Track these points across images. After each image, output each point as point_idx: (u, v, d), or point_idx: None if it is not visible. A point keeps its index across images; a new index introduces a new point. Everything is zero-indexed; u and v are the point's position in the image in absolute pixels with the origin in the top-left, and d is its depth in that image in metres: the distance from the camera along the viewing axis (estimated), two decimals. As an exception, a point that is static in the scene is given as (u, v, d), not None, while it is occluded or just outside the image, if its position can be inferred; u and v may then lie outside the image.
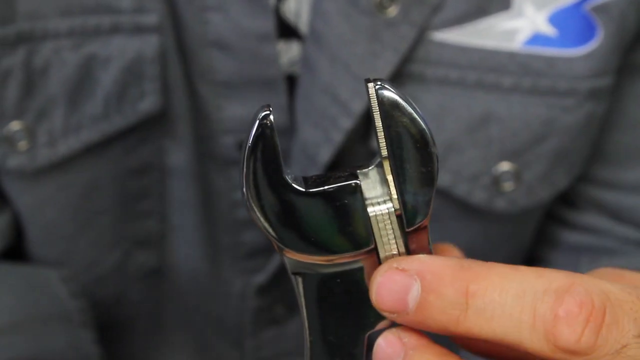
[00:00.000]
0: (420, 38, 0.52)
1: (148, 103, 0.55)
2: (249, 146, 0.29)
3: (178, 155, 0.59)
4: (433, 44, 0.53)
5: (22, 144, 0.54)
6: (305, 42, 0.54)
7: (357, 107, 0.53)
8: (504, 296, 0.27)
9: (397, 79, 0.53)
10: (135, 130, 0.57)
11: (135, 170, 0.58)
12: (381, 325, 0.31)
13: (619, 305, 0.26)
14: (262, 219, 0.29)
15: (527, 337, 0.26)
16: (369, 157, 0.56)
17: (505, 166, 0.55)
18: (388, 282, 0.28)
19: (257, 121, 0.29)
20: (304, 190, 0.29)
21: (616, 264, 0.57)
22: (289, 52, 0.56)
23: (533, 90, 0.53)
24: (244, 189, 0.29)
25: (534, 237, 0.63)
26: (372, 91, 0.29)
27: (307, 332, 0.31)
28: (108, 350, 0.59)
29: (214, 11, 0.53)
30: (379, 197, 0.30)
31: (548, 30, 0.53)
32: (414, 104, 0.29)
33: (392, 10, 0.52)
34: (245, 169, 0.29)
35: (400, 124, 0.29)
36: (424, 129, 0.29)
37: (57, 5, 0.53)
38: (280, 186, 0.29)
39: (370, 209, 0.30)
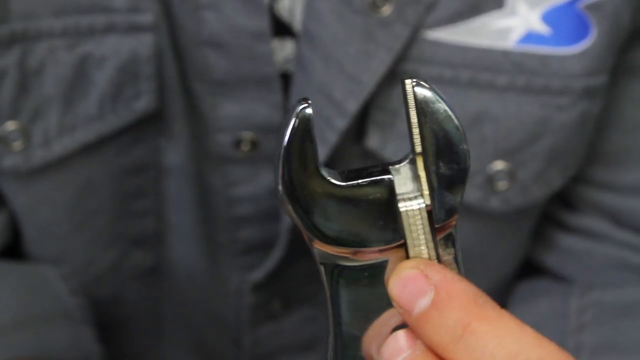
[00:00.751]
0: (414, 37, 0.52)
1: (143, 102, 0.56)
2: (286, 141, 0.29)
3: (174, 154, 0.59)
4: (427, 42, 0.53)
5: (17, 144, 0.54)
6: (299, 41, 0.54)
7: (352, 107, 0.53)
8: (498, 349, 0.27)
9: (391, 78, 0.53)
10: (130, 129, 0.57)
11: (131, 169, 0.58)
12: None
13: None
14: (295, 211, 0.30)
15: None
16: (364, 157, 0.56)
17: (499, 165, 0.55)
18: (410, 280, 0.28)
19: (295, 114, 0.29)
20: (338, 184, 0.30)
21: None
22: (283, 50, 0.56)
23: (527, 89, 0.53)
24: (279, 181, 0.30)
25: (530, 238, 0.63)
26: (408, 87, 0.29)
27: (332, 324, 0.32)
28: (106, 349, 0.59)
29: (208, 10, 0.53)
30: (410, 193, 0.30)
31: (542, 28, 0.53)
32: (448, 101, 0.30)
33: (386, 10, 0.51)
34: (282, 161, 0.29)
35: (435, 121, 0.29)
36: (457, 126, 0.30)
37: (51, 4, 0.52)
38: (315, 179, 0.30)
39: (401, 204, 0.30)
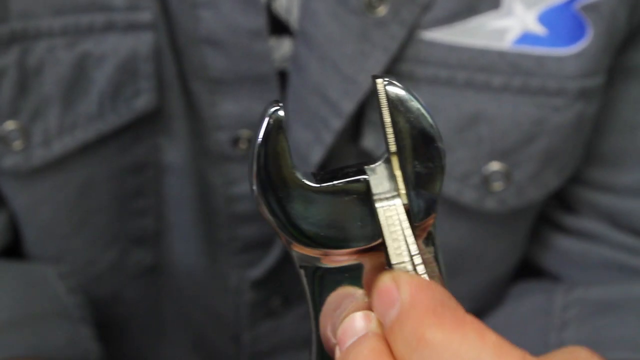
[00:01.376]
0: (410, 37, 0.52)
1: (143, 101, 0.56)
2: (259, 141, 0.29)
3: (173, 152, 0.59)
4: (423, 43, 0.52)
5: (17, 144, 0.54)
6: (295, 41, 0.54)
7: (347, 108, 0.53)
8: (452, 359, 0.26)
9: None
10: (130, 128, 0.57)
11: (131, 168, 0.59)
12: None
13: None
14: (270, 214, 0.30)
15: None
16: (360, 156, 0.56)
17: (495, 166, 0.55)
18: (382, 292, 0.28)
19: (267, 116, 0.29)
20: (312, 185, 0.30)
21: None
22: (281, 48, 0.56)
23: (523, 90, 0.53)
24: (254, 184, 0.30)
25: (527, 239, 0.62)
26: (380, 87, 0.29)
27: (314, 326, 0.32)
28: (106, 347, 0.59)
29: (205, 8, 0.53)
30: (387, 193, 0.30)
31: (538, 29, 0.52)
32: (421, 99, 0.30)
33: (382, 10, 0.51)
34: (255, 164, 0.29)
35: (408, 120, 0.29)
36: (431, 124, 0.29)
37: (50, 4, 0.53)
38: (289, 182, 0.30)
39: (378, 204, 0.30)
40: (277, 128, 0.29)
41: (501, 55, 0.52)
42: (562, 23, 0.52)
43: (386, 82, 0.29)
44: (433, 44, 0.52)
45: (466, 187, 0.55)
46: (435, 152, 0.30)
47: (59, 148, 0.55)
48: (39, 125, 0.54)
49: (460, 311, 0.27)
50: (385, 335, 0.28)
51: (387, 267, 0.30)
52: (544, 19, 0.52)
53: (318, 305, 0.31)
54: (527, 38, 0.52)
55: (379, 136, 0.55)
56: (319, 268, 0.31)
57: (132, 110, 0.56)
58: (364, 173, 0.30)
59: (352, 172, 0.30)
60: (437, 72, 0.53)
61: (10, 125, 0.54)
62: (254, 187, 0.30)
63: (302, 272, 0.31)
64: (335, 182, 0.30)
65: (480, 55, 0.52)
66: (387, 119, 0.29)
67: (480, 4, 0.52)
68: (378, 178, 0.30)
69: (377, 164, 0.30)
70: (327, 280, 0.31)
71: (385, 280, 0.28)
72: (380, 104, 0.29)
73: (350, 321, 0.30)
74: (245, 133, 0.57)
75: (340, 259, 0.31)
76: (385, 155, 0.30)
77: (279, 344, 0.65)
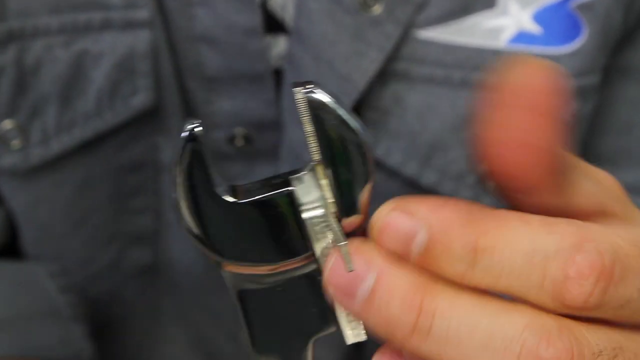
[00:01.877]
0: (405, 36, 0.52)
1: (140, 99, 0.56)
2: (177, 161, 0.29)
3: (170, 150, 0.59)
4: (418, 42, 0.52)
5: (15, 143, 0.54)
6: (290, 40, 0.54)
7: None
8: (514, 255, 0.25)
9: (382, 77, 0.53)
10: (127, 126, 0.57)
11: (129, 167, 0.59)
12: (327, 330, 0.31)
13: (627, 262, 0.26)
14: (195, 234, 0.29)
15: (534, 295, 0.26)
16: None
17: None
18: (394, 223, 0.26)
19: (184, 136, 0.29)
20: (234, 201, 0.29)
21: None
22: (277, 46, 0.55)
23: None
24: (178, 206, 0.29)
25: None
26: (300, 96, 0.29)
27: (252, 349, 0.31)
28: (104, 345, 0.60)
29: (200, 6, 0.53)
30: (315, 202, 0.29)
31: (533, 28, 0.52)
32: (343, 105, 0.29)
33: (377, 9, 0.51)
34: (175, 185, 0.29)
35: (330, 127, 0.29)
36: (354, 128, 0.29)
37: (47, 2, 0.53)
38: (209, 199, 0.29)
39: (305, 215, 0.29)
40: (194, 147, 0.29)
41: (496, 54, 0.52)
42: (557, 22, 0.52)
43: (306, 90, 0.29)
44: (428, 43, 0.52)
45: (462, 186, 0.55)
46: (360, 157, 0.29)
47: (57, 147, 0.55)
48: (37, 124, 0.54)
49: (487, 209, 0.27)
50: (416, 264, 0.26)
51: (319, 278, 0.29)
52: (539, 18, 0.52)
53: (256, 327, 0.31)
54: (522, 37, 0.52)
55: (375, 135, 0.54)
56: (251, 290, 0.30)
57: (130, 108, 0.56)
58: (290, 184, 0.30)
59: (278, 184, 0.30)
60: (432, 71, 0.53)
61: (8, 124, 0.54)
62: (178, 209, 0.29)
63: (234, 295, 0.30)
64: (257, 196, 0.29)
65: (476, 54, 0.52)
66: (309, 127, 0.29)
67: (475, 3, 0.52)
68: (305, 187, 0.30)
69: (303, 172, 0.30)
70: (264, 300, 0.30)
71: (392, 211, 0.27)
72: (301, 113, 0.29)
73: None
74: (241, 131, 0.57)
75: (273, 274, 0.30)
76: (312, 164, 0.30)
77: None
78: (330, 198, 0.29)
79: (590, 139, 0.57)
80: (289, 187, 0.30)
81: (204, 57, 0.55)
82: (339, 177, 0.29)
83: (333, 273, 0.27)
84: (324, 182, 0.29)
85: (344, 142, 0.29)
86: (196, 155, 0.29)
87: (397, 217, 0.26)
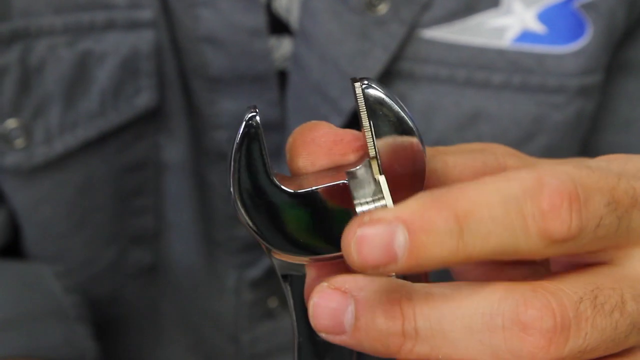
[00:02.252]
0: (409, 36, 0.52)
1: (144, 99, 0.56)
2: (235, 148, 0.29)
3: (173, 151, 0.59)
4: (423, 41, 0.53)
5: (19, 142, 0.54)
6: (295, 40, 0.55)
7: (347, 105, 0.53)
8: (491, 209, 0.26)
9: (386, 77, 0.53)
10: (130, 126, 0.57)
11: (131, 166, 0.59)
12: None
13: (584, 182, 0.26)
14: (248, 221, 0.29)
15: (523, 241, 0.26)
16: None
17: None
18: (368, 237, 0.25)
19: (244, 122, 0.29)
20: (291, 191, 0.29)
21: None
22: (281, 47, 0.56)
23: (523, 88, 0.53)
24: (232, 192, 0.29)
25: None
26: (358, 90, 0.29)
27: (296, 332, 0.31)
28: (104, 346, 0.59)
29: (204, 6, 0.54)
30: (368, 197, 0.29)
31: (537, 27, 0.53)
32: (401, 102, 0.29)
33: (382, 8, 0.52)
34: (232, 171, 0.29)
35: (387, 123, 0.29)
36: (411, 127, 0.29)
37: (51, 2, 0.53)
38: (267, 187, 0.29)
39: (359, 209, 0.29)
40: (253, 134, 0.29)
41: (501, 53, 0.53)
42: (561, 21, 0.52)
43: (365, 85, 0.29)
44: (433, 43, 0.53)
45: None
46: (416, 155, 0.29)
47: (60, 146, 0.55)
48: (40, 123, 0.54)
49: (446, 187, 0.27)
50: (410, 264, 0.25)
51: None
52: (543, 17, 0.53)
53: (299, 312, 0.31)
54: (526, 36, 0.53)
55: None
56: (298, 275, 0.30)
57: (133, 108, 0.56)
58: (345, 177, 0.30)
59: (332, 177, 0.30)
60: (437, 70, 0.53)
61: (12, 123, 0.54)
62: (232, 194, 0.29)
63: (282, 279, 0.31)
64: (314, 187, 0.29)
65: (480, 54, 0.53)
66: (366, 122, 0.29)
67: (479, 2, 0.52)
68: (359, 182, 0.30)
69: (357, 167, 0.30)
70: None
71: (363, 224, 0.26)
72: (359, 108, 0.29)
73: (315, 309, 0.28)
74: None
75: (323, 265, 0.30)
76: (367, 159, 0.30)
77: (277, 346, 0.65)
78: (383, 193, 0.29)
79: (589, 135, 0.58)
80: (344, 180, 0.30)
81: (207, 58, 0.55)
82: (395, 173, 0.29)
83: (317, 316, 0.27)
84: (378, 177, 0.29)
85: (400, 139, 0.29)
86: (255, 143, 0.29)
87: (369, 229, 0.25)
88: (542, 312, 0.26)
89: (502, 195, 0.26)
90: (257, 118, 0.29)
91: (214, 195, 0.60)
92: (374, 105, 0.29)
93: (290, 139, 0.30)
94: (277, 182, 0.29)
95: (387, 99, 0.29)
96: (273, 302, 0.64)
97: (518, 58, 0.53)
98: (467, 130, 0.54)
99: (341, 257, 0.29)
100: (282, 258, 0.30)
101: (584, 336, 0.26)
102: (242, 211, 0.29)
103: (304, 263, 0.30)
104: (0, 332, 0.52)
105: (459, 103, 0.53)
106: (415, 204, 0.26)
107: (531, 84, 0.53)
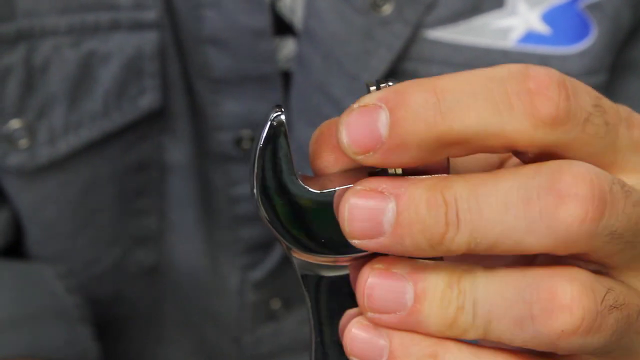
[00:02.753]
0: (414, 36, 0.53)
1: (147, 100, 0.56)
2: (260, 147, 0.29)
3: (176, 152, 0.59)
4: (427, 42, 0.53)
5: (23, 142, 0.54)
6: (299, 40, 0.55)
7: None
8: (473, 85, 0.25)
9: (390, 77, 0.53)
10: (134, 127, 0.57)
11: (134, 167, 0.59)
12: None
13: (574, 80, 0.26)
14: (270, 219, 0.29)
15: (508, 121, 0.25)
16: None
17: None
18: (354, 120, 0.26)
19: (269, 122, 0.29)
20: (314, 191, 0.29)
21: None
22: (285, 48, 0.56)
23: None
24: (254, 190, 0.29)
25: None
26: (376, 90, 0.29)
27: (313, 332, 0.31)
28: (107, 346, 0.59)
29: (209, 7, 0.54)
30: None
31: (542, 28, 0.53)
32: None
33: (387, 9, 0.52)
34: (255, 170, 0.29)
35: None
36: None
37: (56, 2, 0.53)
38: (290, 186, 0.29)
39: None
40: (278, 133, 0.29)
41: (505, 54, 0.53)
42: (566, 22, 0.53)
43: (384, 86, 0.28)
44: (437, 43, 0.53)
45: None
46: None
47: (64, 147, 0.55)
48: (44, 123, 0.54)
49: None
50: (393, 146, 0.26)
51: None
52: (548, 18, 0.53)
53: (317, 312, 0.31)
54: (531, 37, 0.53)
55: None
56: (319, 275, 0.30)
57: (137, 108, 0.56)
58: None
59: (355, 177, 0.29)
60: (441, 71, 0.53)
61: (15, 123, 0.54)
62: (254, 192, 0.29)
63: (301, 278, 0.31)
64: (337, 187, 0.29)
65: (484, 54, 0.53)
66: None
67: (484, 3, 0.52)
68: None
69: (378, 169, 0.29)
70: (328, 288, 0.31)
71: (358, 109, 0.27)
72: None
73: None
74: (247, 133, 0.57)
75: (340, 265, 0.30)
76: None
77: (280, 347, 0.65)
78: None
79: None
80: None
81: (211, 59, 0.55)
82: (415, 172, 0.28)
83: (354, 219, 0.27)
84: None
85: None
86: (280, 143, 0.29)
87: (358, 114, 0.27)
88: (578, 179, 0.25)
89: (486, 75, 0.25)
90: (282, 117, 0.29)
91: (217, 197, 0.60)
92: None
93: (312, 138, 0.30)
94: (300, 181, 0.29)
95: None
96: (276, 304, 0.64)
97: (522, 59, 0.53)
98: None
99: (362, 257, 0.29)
100: (302, 258, 0.30)
101: (616, 217, 0.25)
102: (263, 209, 0.29)
103: (324, 263, 0.30)
104: (1, 332, 0.52)
105: None
106: (396, 86, 0.26)
107: None
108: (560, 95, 0.25)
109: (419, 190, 0.26)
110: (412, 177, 0.27)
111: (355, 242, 0.27)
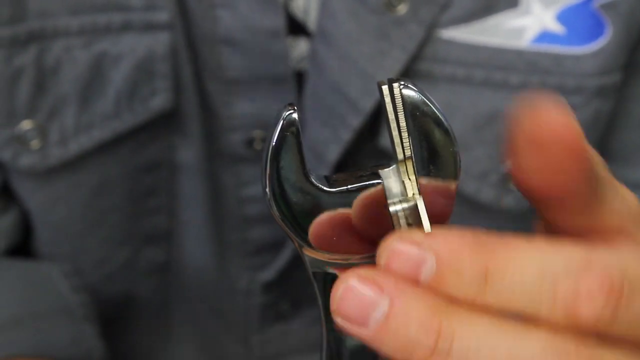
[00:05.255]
0: (428, 36, 0.53)
1: (159, 101, 0.56)
2: (273, 145, 0.29)
3: (187, 152, 0.59)
4: (441, 42, 0.53)
5: (34, 143, 0.54)
6: (314, 40, 0.55)
7: (366, 105, 0.53)
8: (524, 278, 0.25)
9: (405, 77, 0.53)
10: (145, 128, 0.57)
11: (145, 167, 0.59)
12: None
13: (636, 280, 0.26)
14: (282, 218, 0.29)
15: (545, 313, 0.25)
16: (378, 155, 0.56)
17: None
18: (402, 251, 0.26)
19: (282, 120, 0.29)
20: (326, 189, 0.29)
21: None
22: (297, 48, 0.56)
23: (541, 88, 0.53)
24: (267, 188, 0.29)
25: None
26: (396, 91, 0.29)
27: (325, 331, 0.31)
28: (115, 345, 0.59)
29: (223, 8, 0.54)
30: (402, 197, 0.29)
31: (556, 28, 0.53)
32: (436, 103, 0.29)
33: (401, 9, 0.52)
34: (268, 168, 0.29)
35: (424, 124, 0.29)
36: (447, 129, 0.29)
37: (67, 3, 0.53)
38: (302, 184, 0.29)
39: (392, 208, 0.29)
40: (291, 132, 0.29)
41: (519, 54, 0.53)
42: (580, 21, 0.53)
43: (402, 86, 0.29)
44: (451, 43, 0.53)
45: (485, 185, 0.55)
46: (450, 156, 0.29)
47: (75, 147, 0.55)
48: (56, 124, 0.54)
49: (492, 235, 0.27)
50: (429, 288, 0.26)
51: None
52: (562, 17, 0.53)
53: (329, 311, 0.30)
54: (545, 37, 0.53)
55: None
56: (330, 273, 0.30)
57: (148, 110, 0.56)
58: (378, 177, 0.30)
59: (366, 177, 0.30)
60: (455, 70, 0.53)
61: (27, 124, 0.54)
62: (267, 190, 0.29)
63: (313, 277, 0.31)
64: (349, 186, 0.29)
65: (498, 54, 0.53)
66: (403, 123, 0.29)
67: (498, 2, 0.52)
68: (392, 182, 0.30)
69: (391, 167, 0.30)
70: None
71: (400, 241, 0.26)
72: (396, 108, 0.29)
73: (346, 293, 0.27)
74: (259, 134, 0.57)
75: (352, 262, 0.30)
76: (400, 159, 0.30)
77: (288, 348, 0.65)
78: (417, 193, 0.29)
79: (603, 135, 0.58)
80: (378, 180, 0.30)
81: (225, 59, 0.55)
82: (429, 174, 0.29)
83: (343, 302, 0.26)
84: (413, 177, 0.29)
85: (436, 141, 0.29)
86: (292, 141, 0.29)
87: (404, 246, 0.26)
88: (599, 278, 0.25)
89: (542, 267, 0.26)
90: (295, 115, 0.29)
91: (227, 197, 0.60)
92: (410, 106, 0.29)
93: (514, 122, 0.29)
94: (312, 180, 0.29)
95: (423, 100, 0.29)
96: (284, 305, 0.64)
97: (536, 59, 0.53)
98: (485, 130, 0.54)
99: (373, 257, 0.29)
100: (314, 255, 0.30)
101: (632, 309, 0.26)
102: (276, 207, 0.29)
103: (336, 261, 0.30)
104: (7, 331, 0.52)
105: (476, 103, 0.53)
106: (455, 240, 0.26)
107: (549, 84, 0.53)
108: (607, 304, 0.26)
109: (417, 304, 0.26)
110: (415, 287, 0.26)
111: (337, 319, 0.27)
